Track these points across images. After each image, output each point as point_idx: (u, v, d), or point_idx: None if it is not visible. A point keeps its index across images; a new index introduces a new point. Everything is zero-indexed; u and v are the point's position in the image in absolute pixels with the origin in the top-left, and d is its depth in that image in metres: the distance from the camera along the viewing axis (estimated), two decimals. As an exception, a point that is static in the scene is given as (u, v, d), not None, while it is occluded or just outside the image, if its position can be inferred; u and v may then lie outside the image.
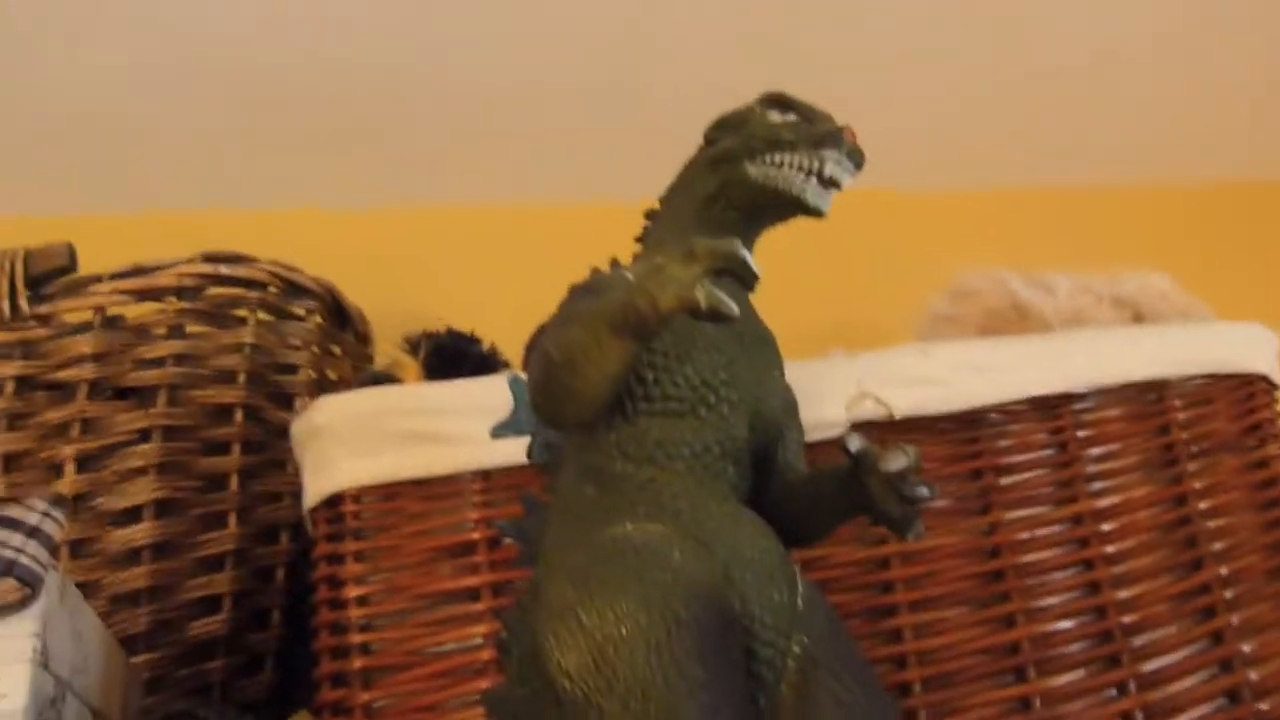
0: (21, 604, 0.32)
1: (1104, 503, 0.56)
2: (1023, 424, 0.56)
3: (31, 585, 0.32)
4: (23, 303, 0.60)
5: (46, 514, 0.33)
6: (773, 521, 0.43)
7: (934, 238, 0.93)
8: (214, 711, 0.59)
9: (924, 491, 0.36)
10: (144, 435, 0.61)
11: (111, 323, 0.62)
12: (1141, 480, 0.57)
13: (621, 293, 0.34)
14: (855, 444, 0.36)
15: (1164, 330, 0.60)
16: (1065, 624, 0.53)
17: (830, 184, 0.40)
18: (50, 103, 0.76)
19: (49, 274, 0.61)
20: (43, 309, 0.60)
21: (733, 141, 0.42)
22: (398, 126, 0.83)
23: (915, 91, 0.91)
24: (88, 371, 0.60)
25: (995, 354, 0.56)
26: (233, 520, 0.63)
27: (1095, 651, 0.53)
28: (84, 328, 0.61)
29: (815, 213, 0.41)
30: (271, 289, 0.67)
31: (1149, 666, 0.53)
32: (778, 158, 0.40)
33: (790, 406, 0.43)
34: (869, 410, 0.54)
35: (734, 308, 0.32)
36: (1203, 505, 0.57)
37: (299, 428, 0.56)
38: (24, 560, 0.32)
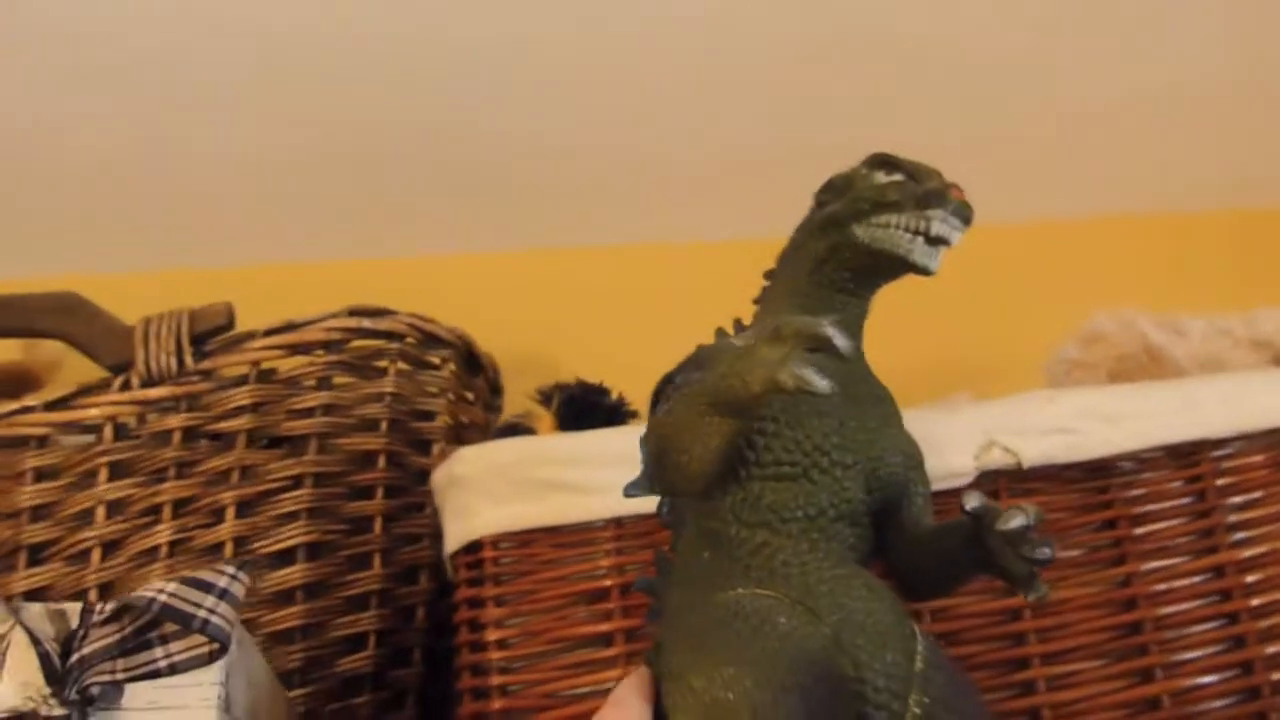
0: (210, 658, 0.35)
1: (1248, 553, 0.54)
2: (1157, 472, 0.55)
3: (221, 642, 0.35)
4: (188, 359, 0.64)
5: (234, 577, 0.37)
6: (899, 577, 0.44)
7: (1058, 268, 0.92)
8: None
9: (1045, 551, 0.36)
10: (296, 481, 0.65)
11: (265, 376, 0.66)
12: (1287, 529, 0.55)
13: (719, 372, 0.35)
14: (973, 502, 0.37)
15: (1310, 373, 0.58)
16: (1208, 679, 0.52)
17: (938, 242, 0.41)
18: (211, 172, 0.82)
19: (210, 331, 0.65)
20: (205, 364, 0.65)
21: (840, 204, 0.43)
22: (526, 173, 0.87)
23: (1035, 117, 0.91)
24: (245, 422, 0.64)
25: (1125, 401, 0.56)
26: (377, 561, 0.66)
27: (1242, 709, 0.51)
28: (241, 381, 0.65)
29: (924, 271, 0.42)
30: (410, 340, 0.71)
31: (1300, 725, 0.51)
32: (884, 219, 0.41)
33: (913, 461, 0.44)
34: (997, 459, 0.54)
35: (822, 386, 0.33)
36: (1356, 556, 0.55)
37: (440, 476, 0.59)
38: (215, 620, 0.35)
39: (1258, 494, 0.55)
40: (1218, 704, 0.52)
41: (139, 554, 0.62)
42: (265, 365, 0.66)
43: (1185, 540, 0.54)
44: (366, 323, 0.68)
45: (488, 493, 0.57)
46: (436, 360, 0.73)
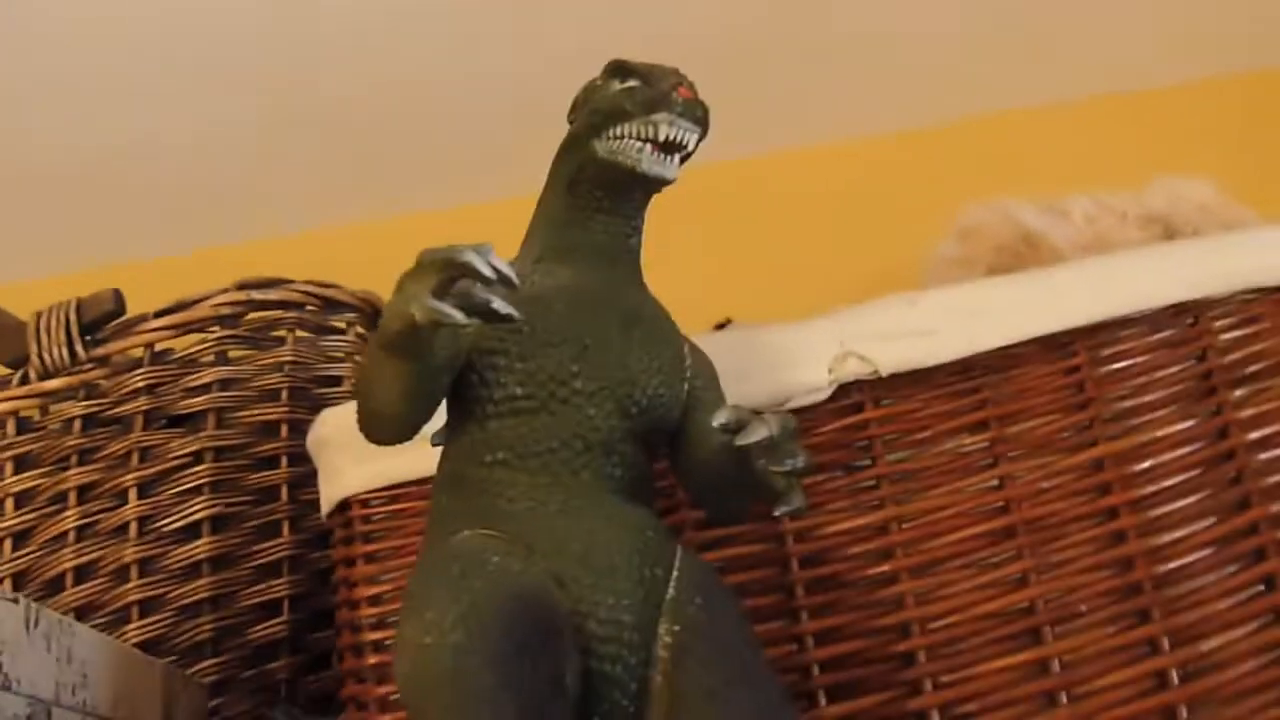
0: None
1: (1128, 443, 0.51)
2: (1028, 367, 0.52)
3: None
4: (79, 348, 0.65)
5: None
6: (696, 499, 0.42)
7: (958, 171, 0.87)
8: (280, 710, 0.63)
9: (791, 463, 0.34)
10: (196, 458, 0.66)
11: (160, 357, 0.67)
12: (1174, 415, 0.51)
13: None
14: (720, 418, 0.35)
15: (1197, 244, 0.54)
16: (1086, 579, 0.49)
17: (671, 148, 0.39)
18: (85, 163, 0.83)
19: (100, 319, 0.66)
20: (98, 351, 0.66)
21: (582, 120, 0.41)
22: (426, 132, 0.86)
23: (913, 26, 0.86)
24: (142, 404, 0.65)
25: (991, 294, 0.52)
26: (286, 528, 0.67)
27: (1121, 606, 0.49)
28: (136, 364, 0.66)
29: (658, 181, 0.40)
30: (309, 307, 0.71)
31: (1185, 619, 0.48)
32: (618, 129, 0.39)
33: (698, 377, 0.42)
34: (853, 369, 0.52)
35: (456, 317, 0.31)
36: (1250, 437, 0.51)
37: (311, 440, 0.59)
38: None
39: (1140, 380, 0.52)
40: (1097, 604, 0.49)
41: (47, 541, 0.64)
42: (160, 346, 0.67)
43: (1063, 436, 0.51)
44: (257, 294, 0.68)
45: (352, 452, 0.57)
46: (341, 324, 0.73)
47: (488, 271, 0.32)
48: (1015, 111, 0.91)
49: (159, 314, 0.67)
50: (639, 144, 0.38)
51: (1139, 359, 0.52)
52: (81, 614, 0.62)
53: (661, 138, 0.38)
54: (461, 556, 0.34)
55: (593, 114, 0.40)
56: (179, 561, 0.64)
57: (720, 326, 0.70)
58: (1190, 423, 0.51)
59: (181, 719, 0.55)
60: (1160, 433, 0.51)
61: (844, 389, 0.52)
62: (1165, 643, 0.48)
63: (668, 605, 0.35)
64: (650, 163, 0.39)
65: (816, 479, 0.52)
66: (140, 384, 0.66)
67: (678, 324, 0.47)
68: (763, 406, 0.52)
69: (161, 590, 0.63)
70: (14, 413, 0.65)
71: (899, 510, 0.51)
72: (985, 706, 0.48)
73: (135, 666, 0.50)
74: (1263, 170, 0.65)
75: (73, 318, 0.66)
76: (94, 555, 0.63)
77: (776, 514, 0.35)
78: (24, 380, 0.65)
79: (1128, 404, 0.51)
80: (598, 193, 0.41)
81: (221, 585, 0.64)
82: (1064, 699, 0.48)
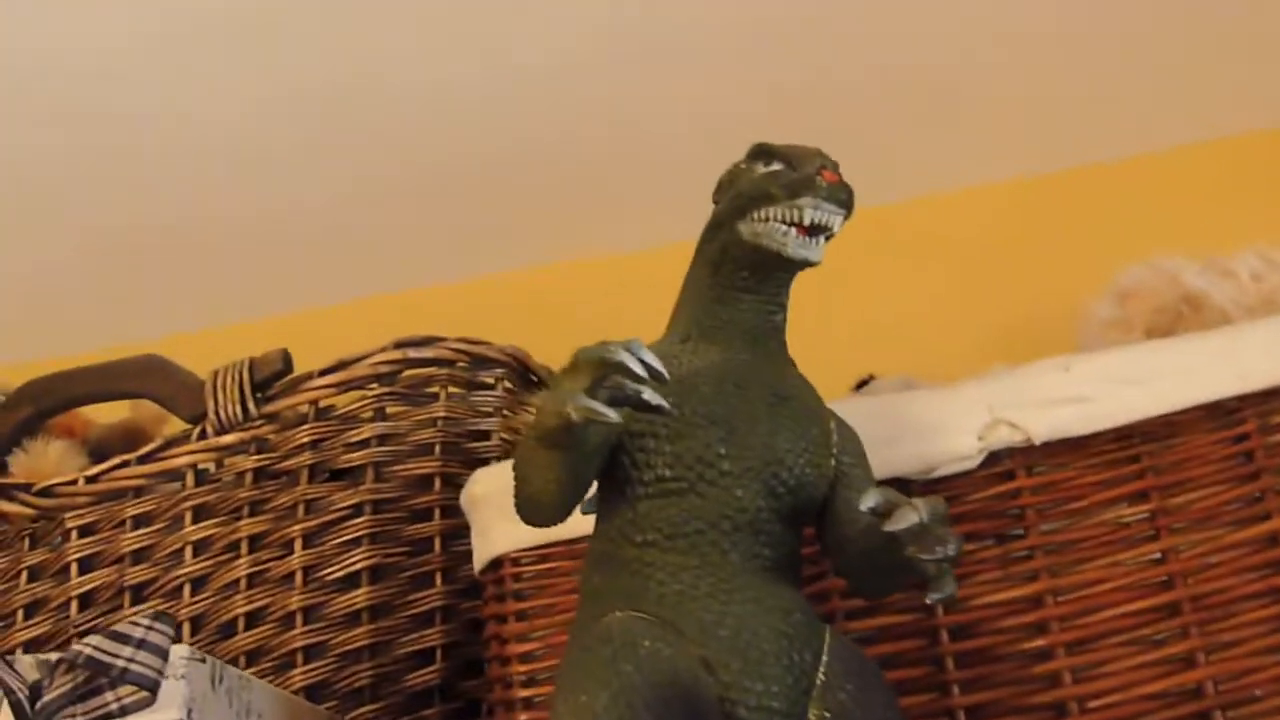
0: (146, 703, 0.38)
1: (1305, 518, 0.48)
2: (1193, 435, 0.50)
3: (144, 688, 0.38)
4: (251, 406, 0.70)
5: (150, 627, 0.40)
6: (843, 574, 0.42)
7: (1106, 215, 0.84)
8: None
9: (940, 550, 0.34)
10: (356, 510, 0.69)
11: (323, 413, 0.70)
12: (1356, 488, 0.49)
13: (537, 406, 0.35)
14: (868, 502, 0.35)
15: (1380, 304, 0.51)
16: (1261, 661, 0.47)
17: (815, 231, 0.39)
18: (260, 227, 0.89)
19: (270, 377, 0.70)
20: (268, 409, 0.70)
21: (726, 203, 0.42)
22: (568, 184, 0.89)
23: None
24: (307, 458, 0.69)
25: (1150, 359, 0.51)
26: (438, 579, 0.69)
27: (1300, 692, 0.46)
28: (301, 420, 0.70)
29: (803, 264, 0.40)
30: (460, 364, 0.73)
31: (1373, 709, 0.45)
32: (763, 213, 0.40)
33: (846, 453, 0.42)
34: (1004, 437, 0.51)
35: (611, 415, 0.32)
36: None
37: (465, 498, 0.62)
38: (134, 668, 0.38)
39: (1317, 449, 0.49)
40: (1274, 688, 0.46)
41: (222, 587, 0.68)
42: (323, 403, 0.71)
43: (1231, 508, 0.49)
44: (412, 353, 0.71)
45: (504, 511, 0.58)
46: (490, 379, 0.75)
47: (640, 370, 0.33)
48: (1165, 152, 0.87)
49: (323, 372, 0.70)
50: (784, 227, 0.39)
51: (1315, 427, 0.50)
52: (251, 658, 0.66)
53: (807, 221, 0.39)
54: (613, 639, 0.35)
55: (737, 197, 0.41)
56: (340, 610, 0.67)
57: (863, 383, 0.70)
58: (1374, 495, 0.48)
59: (345, 765, 0.58)
60: (1338, 506, 0.48)
61: (995, 456, 0.51)
62: (1351, 733, 0.45)
63: (817, 691, 0.36)
64: (796, 246, 0.39)
65: (968, 548, 0.51)
66: (305, 439, 0.69)
67: (822, 381, 0.48)
68: (911, 474, 0.52)
69: (324, 637, 0.66)
70: (193, 465, 0.70)
71: (1054, 582, 0.50)
72: (1149, 793, 0.46)
73: (306, 717, 0.53)
74: None
75: (245, 376, 0.70)
76: (263, 602, 0.67)
77: (928, 601, 0.35)
78: (202, 435, 0.70)
79: (1303, 475, 0.49)
80: (742, 273, 0.42)
81: (379, 633, 0.67)
82: (1237, 789, 0.45)
